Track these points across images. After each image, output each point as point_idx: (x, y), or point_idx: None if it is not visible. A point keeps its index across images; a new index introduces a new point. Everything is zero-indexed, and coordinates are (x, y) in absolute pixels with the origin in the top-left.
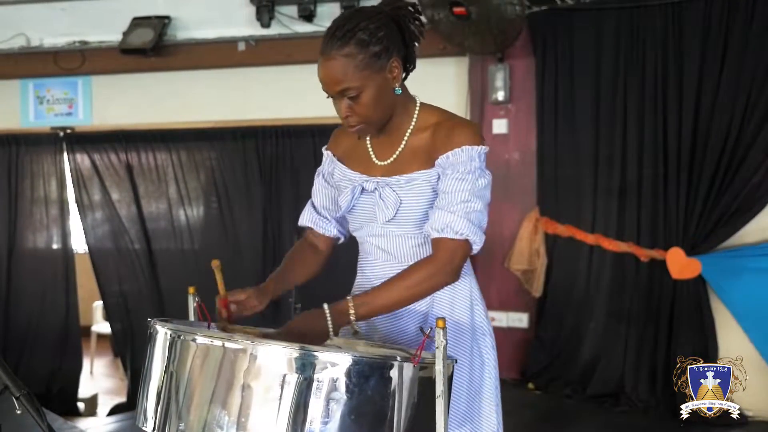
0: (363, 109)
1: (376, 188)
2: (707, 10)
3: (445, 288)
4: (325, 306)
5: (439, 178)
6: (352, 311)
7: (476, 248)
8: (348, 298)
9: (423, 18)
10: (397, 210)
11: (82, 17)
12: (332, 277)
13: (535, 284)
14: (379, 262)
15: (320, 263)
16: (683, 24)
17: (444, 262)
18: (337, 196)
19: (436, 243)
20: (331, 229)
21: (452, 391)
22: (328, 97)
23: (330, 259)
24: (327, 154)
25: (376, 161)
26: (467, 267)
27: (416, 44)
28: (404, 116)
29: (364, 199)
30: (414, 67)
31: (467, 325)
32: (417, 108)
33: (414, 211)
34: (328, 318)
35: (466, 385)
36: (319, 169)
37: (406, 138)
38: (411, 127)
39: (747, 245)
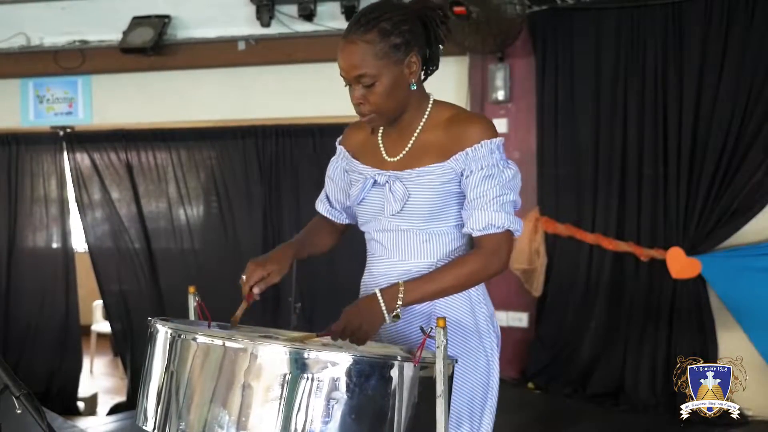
0: (376, 98)
1: (387, 181)
2: (707, 10)
3: None
4: (377, 291)
5: (453, 172)
6: (401, 295)
7: (518, 234)
8: (399, 282)
9: (448, 24)
10: (405, 203)
11: (82, 16)
12: (331, 277)
13: (535, 284)
14: (384, 259)
15: (336, 238)
16: (683, 24)
17: (491, 253)
18: (348, 189)
19: (481, 239)
20: (342, 219)
21: (454, 390)
22: (345, 85)
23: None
24: (340, 149)
25: (386, 157)
26: None
27: (441, 46)
28: (417, 113)
29: (374, 192)
30: (436, 68)
31: (469, 324)
32: (430, 104)
33: (422, 204)
34: (381, 302)
35: (469, 385)
36: (332, 159)
37: (416, 133)
38: (422, 122)
39: (747, 245)
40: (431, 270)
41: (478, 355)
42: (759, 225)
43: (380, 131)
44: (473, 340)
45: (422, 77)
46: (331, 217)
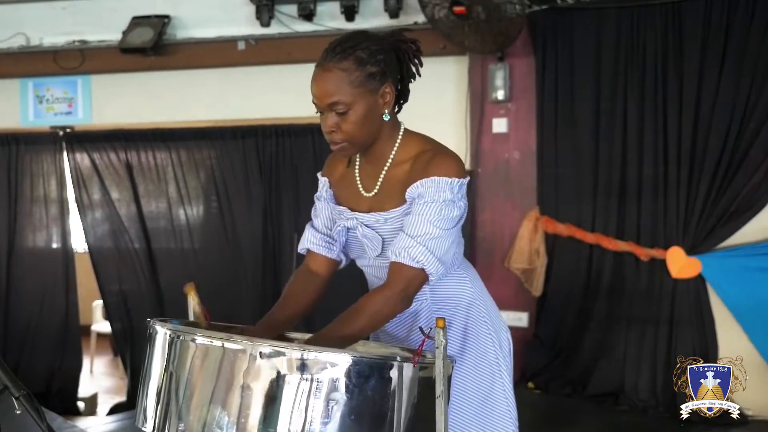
0: (349, 127)
1: (357, 226)
2: (707, 10)
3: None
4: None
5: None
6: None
7: (432, 278)
8: (307, 340)
9: (421, 58)
10: (383, 246)
11: (82, 16)
12: (334, 278)
13: (535, 283)
14: (377, 284)
15: (319, 291)
16: (683, 24)
17: (398, 289)
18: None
19: (393, 267)
20: (333, 250)
21: (454, 392)
22: (317, 112)
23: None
24: (323, 181)
25: (363, 192)
26: (468, 267)
27: (412, 80)
28: (389, 142)
29: (352, 235)
30: (406, 102)
31: (457, 325)
32: (400, 134)
33: None
34: None
35: (471, 389)
36: (317, 194)
37: (386, 167)
38: (393, 155)
39: (747, 244)
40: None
41: (468, 355)
42: (759, 224)
43: (357, 165)
44: (457, 339)
45: (396, 111)
46: (317, 251)
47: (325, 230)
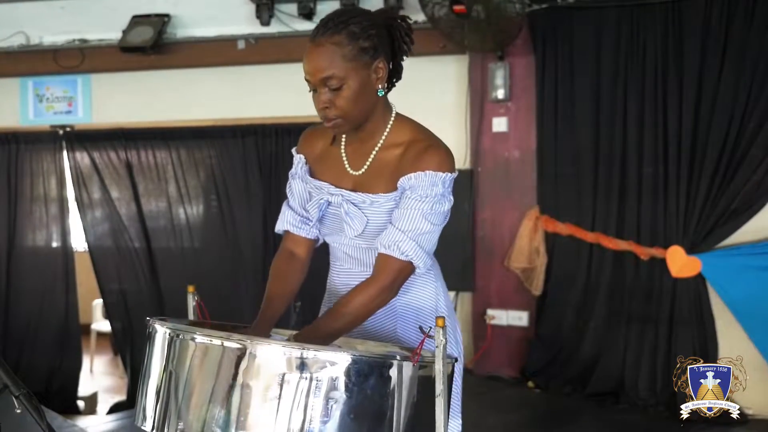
0: (343, 102)
1: (341, 203)
2: (707, 10)
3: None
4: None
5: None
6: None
7: (419, 271)
8: (295, 333)
9: (412, 36)
10: (365, 227)
11: (82, 15)
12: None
13: (535, 282)
14: (345, 268)
15: (303, 271)
16: (683, 23)
17: (386, 282)
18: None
19: (381, 259)
20: (310, 231)
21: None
22: (310, 90)
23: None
24: (299, 158)
25: (349, 170)
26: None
27: (404, 58)
28: (380, 123)
29: (332, 211)
30: (399, 80)
31: (431, 310)
32: (392, 119)
33: (379, 228)
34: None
35: None
36: (292, 171)
37: (377, 148)
38: (384, 137)
39: (747, 243)
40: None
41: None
42: (759, 223)
43: (342, 142)
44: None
45: (386, 87)
46: (295, 231)
47: (301, 210)
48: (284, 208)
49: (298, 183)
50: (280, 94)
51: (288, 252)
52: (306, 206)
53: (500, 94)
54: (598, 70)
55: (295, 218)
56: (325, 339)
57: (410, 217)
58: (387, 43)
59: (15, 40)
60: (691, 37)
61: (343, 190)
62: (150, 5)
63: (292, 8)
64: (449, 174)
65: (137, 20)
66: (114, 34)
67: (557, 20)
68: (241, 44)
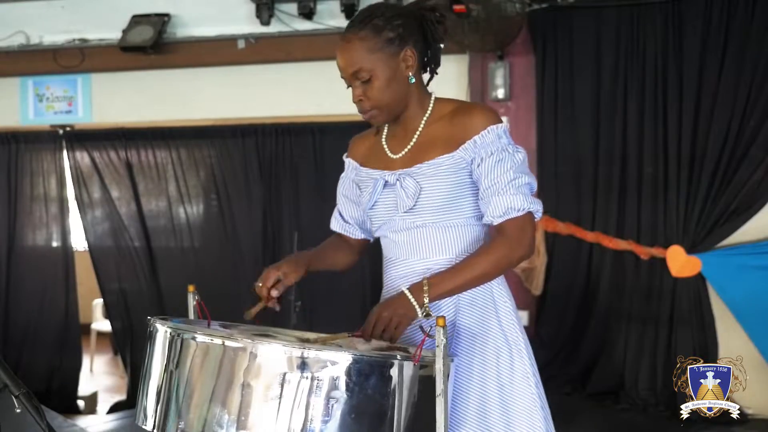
0: (374, 93)
1: (398, 179)
2: (707, 10)
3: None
4: (404, 288)
5: (464, 162)
6: (426, 288)
7: (538, 216)
8: (423, 278)
9: (445, 23)
10: (418, 198)
11: (82, 15)
12: (331, 275)
13: (535, 282)
14: (401, 261)
15: (353, 257)
16: (683, 23)
17: (515, 238)
18: (360, 201)
19: (502, 226)
20: (357, 234)
21: (457, 392)
22: (347, 87)
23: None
24: (349, 162)
25: (391, 155)
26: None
27: (441, 45)
28: (419, 109)
29: (386, 193)
30: (437, 66)
31: (491, 320)
32: (432, 101)
33: (434, 197)
34: (410, 297)
35: (477, 388)
36: (342, 175)
37: (420, 128)
38: (425, 118)
39: (747, 243)
40: (453, 264)
41: (498, 351)
42: (759, 223)
43: (384, 133)
44: (496, 336)
45: (422, 76)
46: (345, 233)
47: (350, 219)
48: (335, 211)
49: (345, 187)
50: (280, 93)
51: (345, 239)
52: (352, 213)
53: (500, 93)
54: (598, 70)
55: (342, 224)
56: (452, 289)
57: (503, 179)
58: (417, 33)
59: (15, 39)
60: (691, 37)
61: (396, 170)
62: (150, 5)
63: (292, 8)
64: (503, 125)
65: (137, 20)
66: (114, 34)
67: (557, 20)
68: (241, 44)
